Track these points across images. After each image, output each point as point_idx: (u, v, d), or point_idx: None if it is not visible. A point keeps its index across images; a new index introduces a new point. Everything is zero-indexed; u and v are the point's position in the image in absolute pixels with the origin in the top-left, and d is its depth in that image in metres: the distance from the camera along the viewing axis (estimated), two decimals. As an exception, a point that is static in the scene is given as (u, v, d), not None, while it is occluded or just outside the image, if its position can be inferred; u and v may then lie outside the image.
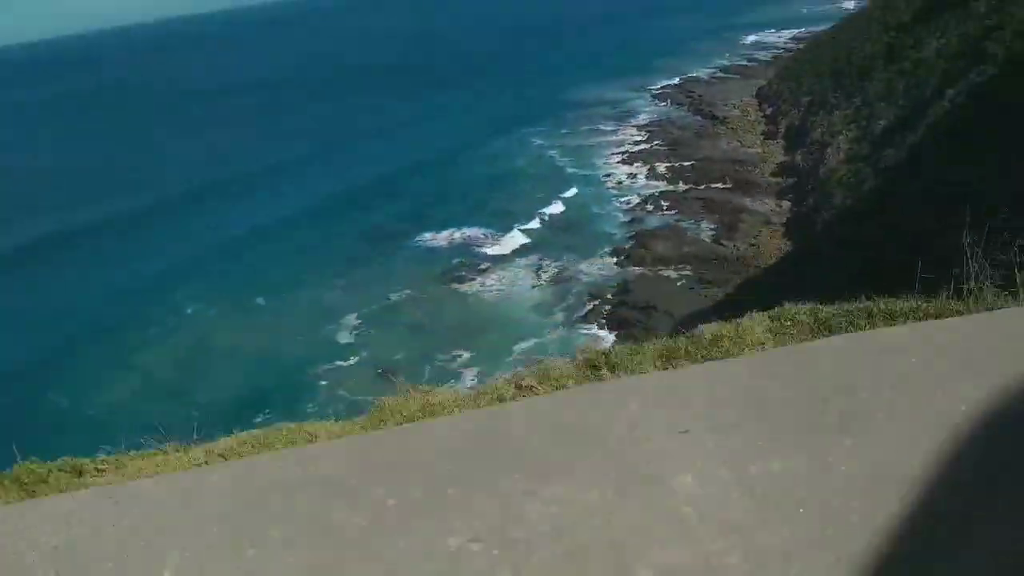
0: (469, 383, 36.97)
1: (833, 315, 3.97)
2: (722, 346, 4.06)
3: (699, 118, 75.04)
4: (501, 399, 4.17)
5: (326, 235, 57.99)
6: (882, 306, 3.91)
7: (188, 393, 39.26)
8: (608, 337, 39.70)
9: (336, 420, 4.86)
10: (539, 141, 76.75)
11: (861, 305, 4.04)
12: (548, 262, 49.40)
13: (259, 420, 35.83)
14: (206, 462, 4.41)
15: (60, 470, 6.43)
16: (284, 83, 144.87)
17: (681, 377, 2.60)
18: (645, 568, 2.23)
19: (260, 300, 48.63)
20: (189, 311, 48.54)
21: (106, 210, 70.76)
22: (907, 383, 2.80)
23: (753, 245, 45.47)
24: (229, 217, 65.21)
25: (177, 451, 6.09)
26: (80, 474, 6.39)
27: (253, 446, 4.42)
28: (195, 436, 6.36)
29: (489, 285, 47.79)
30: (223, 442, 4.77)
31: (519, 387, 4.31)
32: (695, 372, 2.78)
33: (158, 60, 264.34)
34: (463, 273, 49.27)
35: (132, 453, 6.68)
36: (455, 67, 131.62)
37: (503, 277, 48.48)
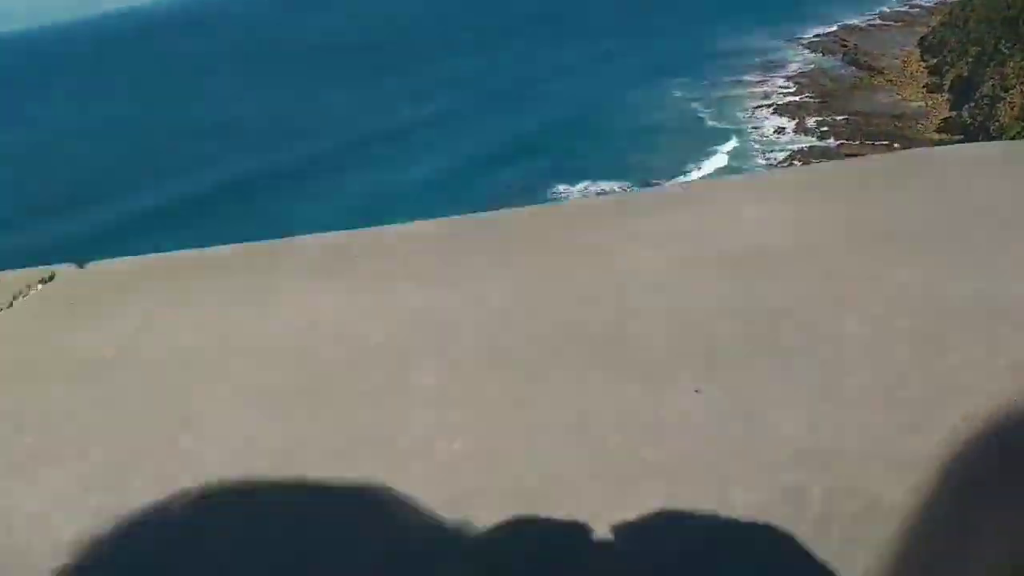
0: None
1: None
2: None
3: (854, 69, 70.49)
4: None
5: (461, 187, 58.65)
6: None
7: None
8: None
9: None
10: (680, 93, 74.91)
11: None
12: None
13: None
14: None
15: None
16: (417, 37, 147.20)
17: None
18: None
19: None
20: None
21: (268, 160, 75.35)
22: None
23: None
24: (366, 174, 67.57)
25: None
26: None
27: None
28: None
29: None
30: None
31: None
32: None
33: (275, 20, 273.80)
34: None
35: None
36: (592, 16, 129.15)
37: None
